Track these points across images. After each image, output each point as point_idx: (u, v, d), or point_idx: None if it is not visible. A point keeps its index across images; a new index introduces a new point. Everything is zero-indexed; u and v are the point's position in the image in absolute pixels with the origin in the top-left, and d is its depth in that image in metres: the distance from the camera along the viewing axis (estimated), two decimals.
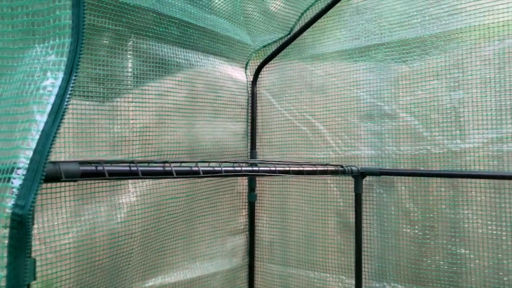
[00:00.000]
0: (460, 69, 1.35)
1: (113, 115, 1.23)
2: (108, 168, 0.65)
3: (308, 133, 1.66)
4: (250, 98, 1.80)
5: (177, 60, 1.43)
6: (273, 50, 1.75)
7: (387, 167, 1.47)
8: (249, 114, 1.80)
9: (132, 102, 1.28)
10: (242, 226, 1.78)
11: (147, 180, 1.30)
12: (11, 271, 0.47)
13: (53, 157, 1.05)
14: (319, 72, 1.64)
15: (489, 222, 1.29)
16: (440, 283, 1.36)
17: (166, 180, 1.36)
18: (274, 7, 1.56)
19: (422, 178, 1.40)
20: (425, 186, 1.40)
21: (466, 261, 1.32)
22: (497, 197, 1.28)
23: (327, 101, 1.62)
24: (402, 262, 1.44)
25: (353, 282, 1.48)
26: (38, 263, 1.02)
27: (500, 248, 1.27)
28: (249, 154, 1.80)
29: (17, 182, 0.49)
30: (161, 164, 0.77)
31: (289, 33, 1.71)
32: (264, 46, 1.77)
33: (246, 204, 1.80)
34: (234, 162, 0.94)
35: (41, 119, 0.52)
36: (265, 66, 1.79)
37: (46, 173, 0.50)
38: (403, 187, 1.44)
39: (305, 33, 1.67)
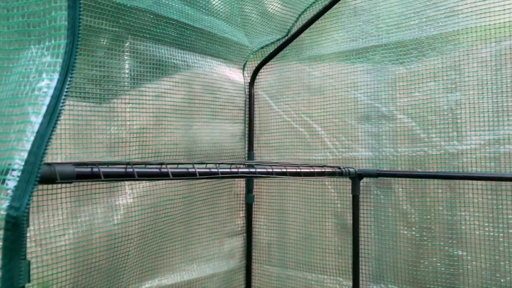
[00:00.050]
0: (457, 71, 1.35)
1: (110, 116, 1.23)
2: (103, 169, 0.65)
3: (305, 134, 1.66)
4: (247, 100, 1.80)
5: (175, 61, 1.43)
6: (271, 51, 1.75)
7: (385, 169, 1.47)
8: (247, 116, 1.80)
9: (129, 103, 1.28)
10: (240, 228, 1.78)
11: (143, 181, 1.30)
12: (5, 273, 0.47)
13: (49, 159, 1.05)
14: (317, 73, 1.65)
15: (486, 224, 1.29)
16: (437, 284, 1.36)
17: (163, 181, 1.36)
18: (271, 8, 1.56)
19: (420, 179, 1.40)
20: (422, 188, 1.40)
21: (463, 263, 1.32)
22: (494, 199, 1.28)
23: (324, 103, 1.62)
24: (399, 263, 1.44)
25: (351, 284, 1.48)
26: (34, 265, 1.02)
27: (497, 249, 1.27)
28: (246, 155, 1.80)
29: (11, 183, 0.49)
30: (158, 166, 0.77)
31: (287, 35, 1.71)
32: (262, 48, 1.77)
33: (244, 205, 1.79)
34: (231, 164, 0.94)
35: (36, 120, 0.52)
36: (262, 68, 1.79)
37: (41, 174, 0.50)
38: (400, 189, 1.44)
39: (302, 35, 1.67)
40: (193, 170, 0.82)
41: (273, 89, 1.77)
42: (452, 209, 1.34)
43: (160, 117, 1.38)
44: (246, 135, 1.80)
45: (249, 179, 1.77)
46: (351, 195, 1.46)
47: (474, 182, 1.31)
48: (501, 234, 1.26)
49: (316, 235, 1.62)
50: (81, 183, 1.12)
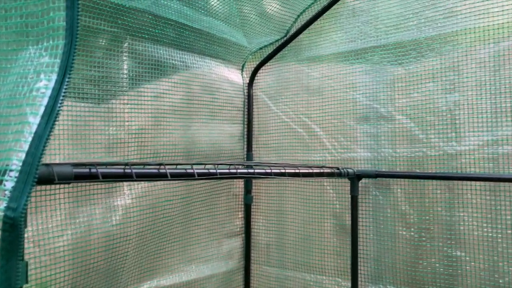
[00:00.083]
0: (455, 72, 1.35)
1: (109, 117, 1.23)
2: (101, 170, 0.65)
3: (304, 135, 1.66)
4: (246, 100, 1.80)
5: (173, 62, 1.43)
6: (270, 52, 1.75)
7: (383, 169, 1.47)
8: (246, 116, 1.80)
9: (127, 104, 1.28)
10: (238, 229, 1.77)
11: (142, 182, 1.30)
12: (3, 274, 0.47)
13: (47, 159, 1.05)
14: (316, 74, 1.65)
15: (485, 225, 1.29)
16: (436, 285, 1.36)
17: (162, 182, 1.36)
18: (270, 9, 1.56)
19: (418, 180, 1.40)
20: (421, 188, 1.40)
21: (462, 264, 1.32)
22: (493, 199, 1.28)
23: (323, 103, 1.62)
24: (398, 264, 1.44)
25: (349, 284, 1.48)
26: (32, 266, 1.02)
27: (496, 250, 1.27)
28: (245, 156, 1.80)
29: (9, 184, 0.48)
30: (156, 167, 0.77)
31: (286, 35, 1.71)
32: (261, 48, 1.77)
33: (242, 206, 1.79)
34: (230, 164, 0.94)
35: (34, 121, 0.52)
36: (261, 68, 1.79)
37: (39, 175, 0.50)
38: (399, 189, 1.44)
39: (301, 35, 1.67)
40: (192, 171, 0.82)
41: (271, 90, 1.77)
42: (451, 209, 1.35)
43: (158, 118, 1.38)
44: (245, 136, 1.80)
45: (248, 180, 1.77)
46: (349, 196, 1.46)
47: (473, 182, 1.31)
48: (500, 235, 1.26)
49: (315, 235, 1.62)
50: (79, 184, 1.12)
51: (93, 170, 0.64)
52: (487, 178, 1.27)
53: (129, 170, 0.70)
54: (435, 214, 1.37)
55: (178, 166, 0.81)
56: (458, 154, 1.34)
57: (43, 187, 1.03)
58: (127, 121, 1.28)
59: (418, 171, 1.40)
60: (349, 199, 1.47)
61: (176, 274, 1.47)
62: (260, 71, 1.80)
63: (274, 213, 1.74)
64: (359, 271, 1.47)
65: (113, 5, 1.19)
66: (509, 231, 1.25)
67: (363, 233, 1.50)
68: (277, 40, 1.73)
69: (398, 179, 1.44)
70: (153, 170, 0.76)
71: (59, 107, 0.53)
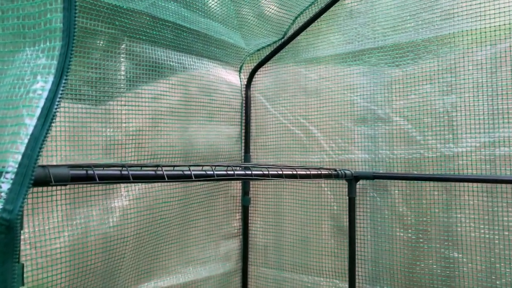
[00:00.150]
0: (453, 74, 1.36)
1: (106, 118, 1.23)
2: (98, 172, 0.64)
3: (302, 136, 1.66)
4: (244, 102, 1.80)
5: (171, 63, 1.43)
6: (267, 53, 1.75)
7: (381, 171, 1.47)
8: (243, 118, 1.80)
9: (125, 105, 1.28)
10: (236, 230, 1.77)
11: (139, 184, 1.30)
12: None
13: (44, 161, 1.05)
14: (313, 76, 1.65)
15: (482, 226, 1.29)
16: (433, 286, 1.36)
17: (159, 184, 1.36)
18: (268, 10, 1.56)
19: (416, 181, 1.40)
20: (419, 190, 1.40)
21: (459, 265, 1.32)
22: (490, 201, 1.28)
23: (321, 105, 1.62)
24: (395, 266, 1.44)
25: (347, 286, 1.48)
26: (29, 268, 1.02)
27: (493, 251, 1.27)
28: (242, 157, 1.80)
29: (5, 186, 0.48)
30: (153, 168, 0.77)
31: (283, 37, 1.71)
32: (258, 50, 1.77)
33: (240, 207, 1.79)
34: (227, 166, 0.94)
35: (31, 122, 0.51)
36: (259, 70, 1.79)
37: (35, 177, 0.49)
38: (396, 191, 1.44)
39: (299, 37, 1.68)
40: (189, 172, 0.82)
41: (269, 91, 1.77)
42: (448, 211, 1.35)
43: (156, 119, 1.37)
44: (243, 137, 1.80)
45: (246, 181, 1.77)
46: (347, 198, 1.46)
47: (470, 184, 1.31)
48: (497, 236, 1.27)
49: (313, 237, 1.62)
50: (76, 186, 1.12)
51: (90, 172, 0.64)
52: (484, 180, 1.27)
53: (126, 172, 0.70)
54: (432, 216, 1.37)
55: (176, 168, 0.81)
56: (455, 156, 1.34)
57: (40, 188, 1.03)
58: (125, 122, 1.27)
59: (415, 172, 1.41)
60: (347, 200, 1.47)
61: (173, 275, 1.47)
62: (258, 72, 1.80)
63: (272, 214, 1.74)
64: (356, 273, 1.47)
65: (111, 7, 1.19)
66: (506, 233, 1.25)
67: (361, 234, 1.50)
68: (274, 42, 1.73)
69: (396, 181, 1.44)
70: (150, 171, 0.76)
71: (56, 108, 0.53)
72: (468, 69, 1.33)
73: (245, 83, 1.81)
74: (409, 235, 1.41)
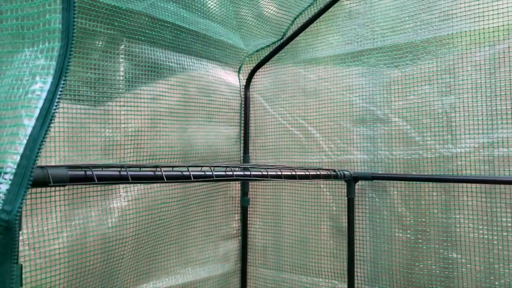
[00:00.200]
0: (451, 74, 1.36)
1: (105, 119, 1.23)
2: (97, 172, 0.64)
3: (301, 137, 1.67)
4: (243, 102, 1.80)
5: (170, 64, 1.43)
6: (266, 54, 1.75)
7: (380, 172, 1.47)
8: (242, 118, 1.80)
9: (124, 106, 1.28)
10: (235, 231, 1.77)
11: (138, 184, 1.30)
12: None
13: (43, 161, 1.05)
14: (312, 76, 1.65)
15: (481, 227, 1.29)
16: (432, 287, 1.36)
17: (158, 184, 1.36)
18: (267, 11, 1.57)
19: (414, 182, 1.40)
20: (417, 191, 1.40)
21: (458, 266, 1.33)
22: (488, 202, 1.28)
23: (320, 106, 1.62)
24: (394, 266, 1.44)
25: (346, 286, 1.48)
26: (27, 269, 1.01)
27: (492, 252, 1.27)
28: (241, 158, 1.80)
29: (4, 187, 0.48)
30: (152, 169, 0.76)
31: (282, 38, 1.72)
32: (257, 51, 1.77)
33: (239, 208, 1.79)
34: (226, 167, 0.94)
35: (29, 123, 0.51)
36: (258, 70, 1.79)
37: (33, 178, 0.49)
38: (395, 192, 1.44)
39: (298, 38, 1.68)
40: (188, 173, 0.81)
41: (268, 92, 1.77)
42: (447, 212, 1.35)
43: (155, 120, 1.37)
44: (242, 138, 1.80)
45: (245, 182, 1.77)
46: (346, 198, 1.46)
47: (469, 185, 1.31)
48: (495, 237, 1.27)
49: (312, 238, 1.62)
50: (75, 186, 1.12)
51: (89, 173, 0.64)
52: (483, 180, 1.27)
53: (124, 173, 0.70)
54: (431, 216, 1.37)
55: (174, 168, 0.81)
56: (454, 156, 1.34)
57: (38, 189, 1.03)
58: (124, 123, 1.27)
59: (414, 173, 1.41)
60: (346, 201, 1.47)
61: (172, 276, 1.47)
62: (257, 73, 1.80)
63: (271, 215, 1.74)
64: (355, 273, 1.47)
65: (110, 7, 1.19)
66: (505, 233, 1.26)
67: (360, 235, 1.50)
68: (274, 43, 1.73)
69: (395, 181, 1.44)
70: (149, 172, 0.76)
71: (55, 109, 0.53)
72: (467, 70, 1.33)
73: (244, 83, 1.81)
74: (408, 235, 1.41)
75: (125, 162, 1.27)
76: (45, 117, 0.52)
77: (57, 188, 1.08)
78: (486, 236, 1.28)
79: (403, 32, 1.44)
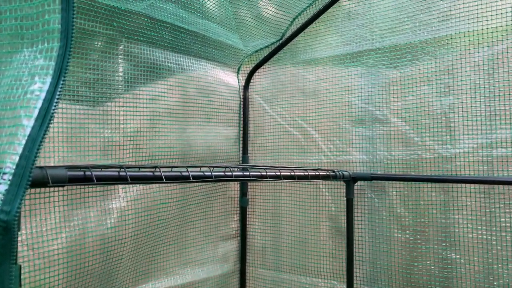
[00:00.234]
0: (450, 75, 1.36)
1: (104, 119, 1.22)
2: (96, 173, 0.64)
3: (300, 138, 1.67)
4: (242, 103, 1.80)
5: (169, 64, 1.43)
6: (265, 55, 1.75)
7: (379, 172, 1.47)
8: (241, 119, 1.80)
9: (123, 106, 1.27)
10: (234, 231, 1.77)
11: (137, 185, 1.30)
12: None
13: (42, 162, 1.05)
14: (311, 77, 1.65)
15: (480, 227, 1.29)
16: (431, 287, 1.36)
17: (157, 185, 1.36)
18: (266, 12, 1.57)
19: (413, 183, 1.41)
20: (416, 191, 1.40)
21: (456, 266, 1.33)
22: (487, 202, 1.28)
23: (319, 106, 1.62)
24: (393, 267, 1.44)
25: (345, 287, 1.48)
26: (26, 269, 1.01)
27: (490, 252, 1.27)
28: (240, 159, 1.80)
29: (2, 187, 0.48)
30: (151, 169, 0.76)
31: (281, 38, 1.72)
32: (256, 51, 1.77)
33: (238, 209, 1.79)
34: (225, 167, 0.94)
35: (28, 123, 0.51)
36: (257, 71, 1.80)
37: (32, 178, 0.49)
38: (394, 192, 1.45)
39: (297, 38, 1.68)
40: (187, 173, 0.81)
41: (267, 93, 1.77)
42: (446, 212, 1.35)
43: (154, 120, 1.37)
44: (241, 139, 1.80)
45: (244, 182, 1.77)
46: (345, 199, 1.46)
47: (468, 185, 1.31)
48: (494, 237, 1.27)
49: (311, 238, 1.62)
50: (74, 187, 1.12)
51: (88, 173, 0.64)
52: (482, 181, 1.27)
53: (123, 173, 0.70)
54: (430, 217, 1.38)
55: (173, 169, 0.81)
56: (453, 157, 1.34)
57: (38, 190, 1.03)
58: (123, 123, 1.27)
59: (413, 173, 1.41)
60: (345, 201, 1.47)
61: (171, 277, 1.47)
62: (256, 73, 1.80)
63: (270, 215, 1.74)
64: (354, 274, 1.47)
65: (109, 8, 1.19)
66: (504, 234, 1.26)
67: (359, 235, 1.51)
68: (273, 43, 1.73)
69: (394, 182, 1.44)
70: (148, 172, 0.76)
71: (54, 109, 0.53)
72: (466, 71, 1.33)
73: (243, 84, 1.81)
74: (407, 236, 1.41)
75: (124, 162, 1.27)
76: (44, 118, 0.52)
77: (56, 189, 1.08)
78: (484, 237, 1.29)
79: (402, 33, 1.45)
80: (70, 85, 1.14)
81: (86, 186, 1.15)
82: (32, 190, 1.01)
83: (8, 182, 0.48)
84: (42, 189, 1.04)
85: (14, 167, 0.49)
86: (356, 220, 1.50)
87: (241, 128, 1.80)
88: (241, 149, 1.80)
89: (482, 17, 1.30)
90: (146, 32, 1.32)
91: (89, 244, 1.16)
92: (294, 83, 1.70)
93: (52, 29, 0.56)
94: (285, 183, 1.69)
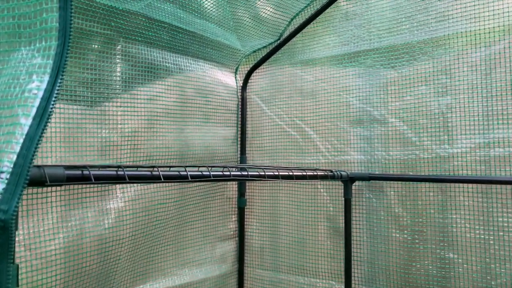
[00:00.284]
0: (447, 75, 1.36)
1: (102, 119, 1.22)
2: (94, 172, 0.64)
3: (298, 138, 1.67)
4: (240, 103, 1.80)
5: (167, 64, 1.43)
6: (263, 55, 1.75)
7: (377, 172, 1.48)
8: (239, 119, 1.80)
9: (121, 106, 1.27)
10: (232, 232, 1.77)
11: (135, 185, 1.29)
12: None
13: (40, 162, 1.04)
14: (309, 77, 1.65)
15: (477, 227, 1.30)
16: (429, 287, 1.36)
17: (155, 185, 1.35)
18: (264, 12, 1.57)
19: (411, 182, 1.41)
20: (414, 191, 1.41)
21: (454, 266, 1.33)
22: (485, 202, 1.29)
23: (317, 106, 1.62)
24: (391, 267, 1.44)
25: (343, 287, 1.48)
26: (23, 270, 1.01)
27: (488, 252, 1.28)
28: (238, 159, 1.80)
29: (0, 186, 0.48)
30: (149, 169, 0.76)
31: (279, 39, 1.72)
32: (254, 51, 1.77)
33: (236, 209, 1.79)
34: (224, 167, 0.94)
35: (26, 122, 0.51)
36: (255, 71, 1.79)
37: (30, 177, 0.49)
38: (392, 192, 1.45)
39: (294, 39, 1.68)
40: (185, 173, 0.81)
41: (265, 93, 1.77)
42: (444, 212, 1.35)
43: (152, 121, 1.37)
44: (239, 139, 1.80)
45: (242, 182, 1.77)
46: (343, 199, 1.46)
47: (465, 185, 1.32)
48: (492, 237, 1.27)
49: (309, 238, 1.62)
50: (71, 187, 1.11)
51: (86, 172, 0.64)
52: (479, 181, 1.28)
53: (121, 172, 0.69)
54: (428, 217, 1.38)
55: (172, 168, 0.81)
56: (451, 157, 1.35)
57: (35, 189, 1.03)
58: (120, 123, 1.27)
59: (411, 173, 1.41)
60: (343, 201, 1.47)
61: (169, 277, 1.46)
62: (254, 74, 1.80)
63: (268, 216, 1.74)
64: (352, 274, 1.47)
65: (106, 7, 1.19)
66: (501, 233, 1.26)
67: (357, 235, 1.51)
68: (270, 43, 1.73)
69: (391, 182, 1.44)
70: (146, 172, 0.75)
71: (51, 108, 0.52)
72: (463, 71, 1.33)
73: (241, 84, 1.81)
74: (405, 236, 1.42)
75: (121, 162, 1.27)
76: (42, 116, 0.51)
77: (53, 189, 1.07)
78: (482, 236, 1.29)
79: (400, 33, 1.45)
80: (68, 85, 1.14)
81: (84, 186, 1.14)
82: (30, 190, 1.01)
83: (6, 181, 0.48)
84: (40, 189, 1.04)
85: (12, 165, 0.49)
86: (354, 220, 1.50)
87: (239, 129, 1.80)
88: (239, 149, 1.79)
89: (479, 17, 1.31)
90: (144, 32, 1.32)
91: (87, 245, 1.16)
92: (292, 84, 1.70)
93: (50, 27, 0.56)
94: (283, 184, 1.69)
